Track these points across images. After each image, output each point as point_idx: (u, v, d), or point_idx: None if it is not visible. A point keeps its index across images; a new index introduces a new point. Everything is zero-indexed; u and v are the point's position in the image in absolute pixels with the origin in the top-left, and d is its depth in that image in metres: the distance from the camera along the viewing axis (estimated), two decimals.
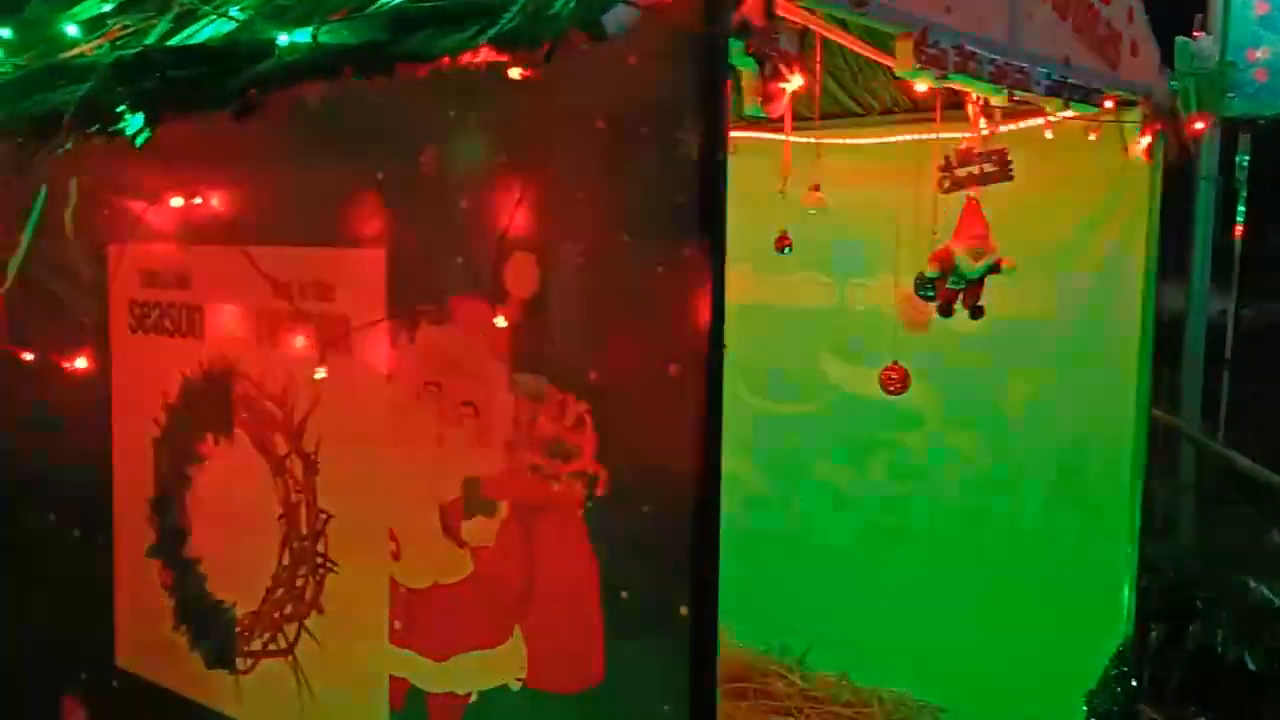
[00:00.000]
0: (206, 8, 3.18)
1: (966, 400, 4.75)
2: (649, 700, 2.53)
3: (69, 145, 2.86)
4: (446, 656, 2.95)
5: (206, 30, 3.05)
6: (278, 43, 2.52)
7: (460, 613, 2.91)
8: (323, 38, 2.47)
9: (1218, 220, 6.79)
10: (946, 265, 3.50)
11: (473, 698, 2.90)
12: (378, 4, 2.66)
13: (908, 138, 4.43)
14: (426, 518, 2.95)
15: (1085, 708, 4.30)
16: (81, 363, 3.86)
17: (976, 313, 3.60)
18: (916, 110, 4.61)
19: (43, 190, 2.90)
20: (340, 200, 3.02)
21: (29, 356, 3.98)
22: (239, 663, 3.51)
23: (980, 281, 3.52)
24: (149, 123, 2.67)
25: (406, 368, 2.97)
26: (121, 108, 2.71)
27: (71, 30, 3.37)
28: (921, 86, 2.95)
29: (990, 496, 4.71)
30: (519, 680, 2.80)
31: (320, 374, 2.90)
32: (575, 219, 2.59)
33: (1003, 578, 4.71)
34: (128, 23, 3.37)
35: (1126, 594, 4.43)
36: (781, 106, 2.47)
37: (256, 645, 3.45)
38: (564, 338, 2.63)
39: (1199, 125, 4.27)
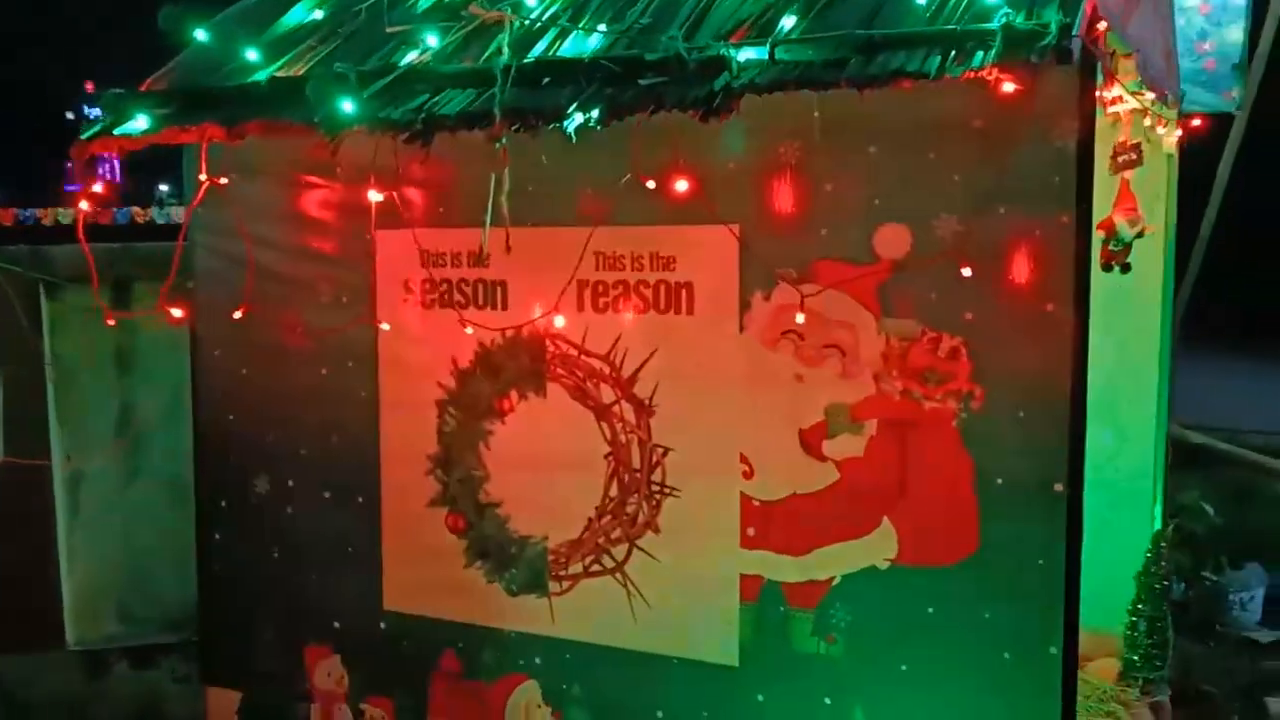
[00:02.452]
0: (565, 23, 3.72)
1: None
2: (1025, 559, 3.34)
3: (504, 140, 3.36)
4: (807, 551, 3.65)
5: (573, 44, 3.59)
6: (734, 58, 3.15)
7: (823, 514, 3.61)
8: (780, 55, 3.13)
9: None
10: (1110, 231, 4.46)
11: (836, 580, 3.62)
12: (771, 29, 3.32)
13: None
14: (783, 441, 3.65)
15: (1134, 584, 5.40)
16: (343, 336, 4.28)
17: (1126, 269, 4.58)
18: None
19: (493, 177, 3.37)
20: (691, 185, 3.63)
21: (292, 332, 4.36)
22: (552, 586, 4.06)
23: (1130, 244, 4.50)
24: (603, 120, 3.22)
25: (761, 321, 3.65)
26: (572, 107, 3.24)
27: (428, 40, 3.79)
28: (1150, 95, 3.89)
29: None
30: (886, 560, 3.54)
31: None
32: (952, 196, 3.35)
33: None
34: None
35: (1156, 509, 5.56)
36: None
37: (576, 569, 4.01)
38: (937, 288, 3.39)
39: (1196, 122, 5.45)
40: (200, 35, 4.44)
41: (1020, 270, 3.29)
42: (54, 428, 6.59)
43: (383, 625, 4.38)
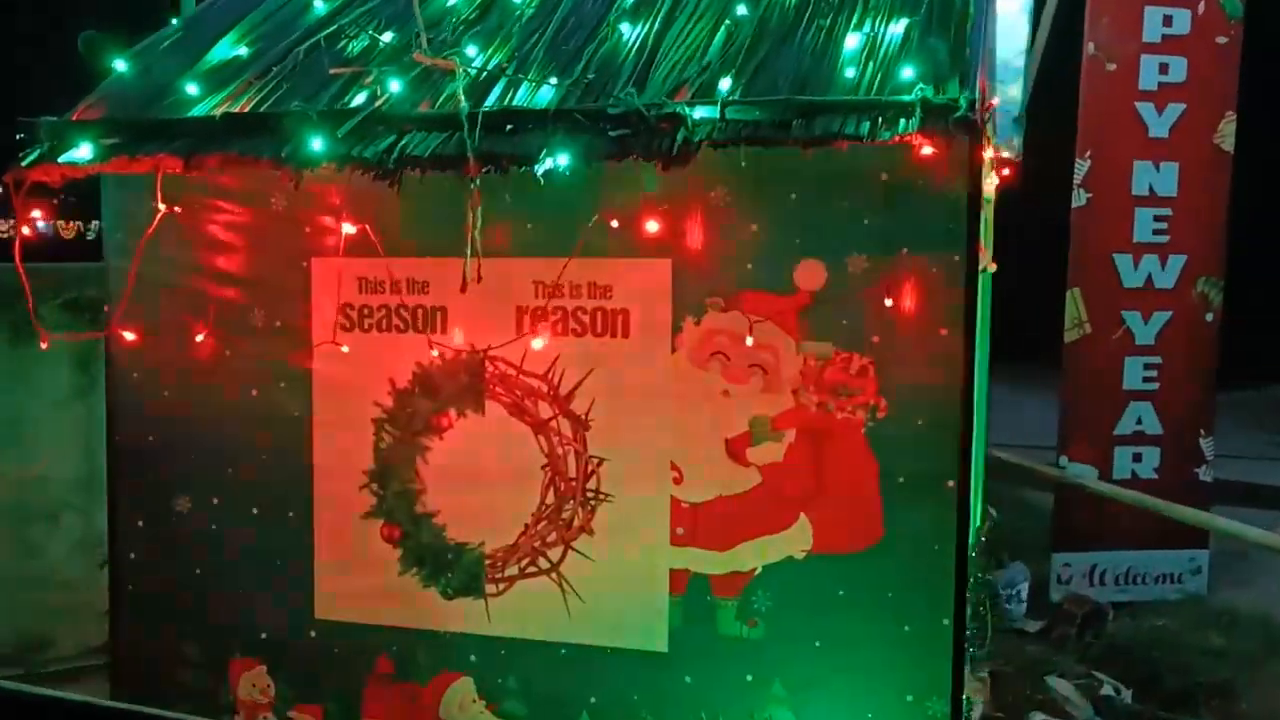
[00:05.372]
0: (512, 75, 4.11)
1: None
2: (922, 545, 3.95)
3: (477, 182, 3.70)
4: (731, 546, 4.15)
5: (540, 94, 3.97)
6: (690, 115, 3.61)
7: (746, 513, 4.12)
8: (730, 114, 3.62)
9: None
10: None
11: (758, 571, 4.13)
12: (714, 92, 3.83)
13: None
14: (711, 450, 4.14)
15: None
16: (278, 360, 4.50)
17: None
18: None
19: (469, 214, 3.70)
20: (634, 222, 4.08)
21: (227, 353, 4.53)
22: (489, 588, 4.39)
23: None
24: (572, 166, 3.62)
25: (691, 343, 4.13)
26: (547, 151, 3.62)
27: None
28: (1005, 152, 4.61)
29: None
30: (804, 551, 4.08)
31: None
32: (862, 237, 3.93)
33: None
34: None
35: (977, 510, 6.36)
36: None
37: (512, 571, 4.37)
38: (849, 315, 3.97)
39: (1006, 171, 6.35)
40: (120, 65, 4.59)
41: (919, 300, 3.90)
42: None
43: (313, 634, 4.59)
